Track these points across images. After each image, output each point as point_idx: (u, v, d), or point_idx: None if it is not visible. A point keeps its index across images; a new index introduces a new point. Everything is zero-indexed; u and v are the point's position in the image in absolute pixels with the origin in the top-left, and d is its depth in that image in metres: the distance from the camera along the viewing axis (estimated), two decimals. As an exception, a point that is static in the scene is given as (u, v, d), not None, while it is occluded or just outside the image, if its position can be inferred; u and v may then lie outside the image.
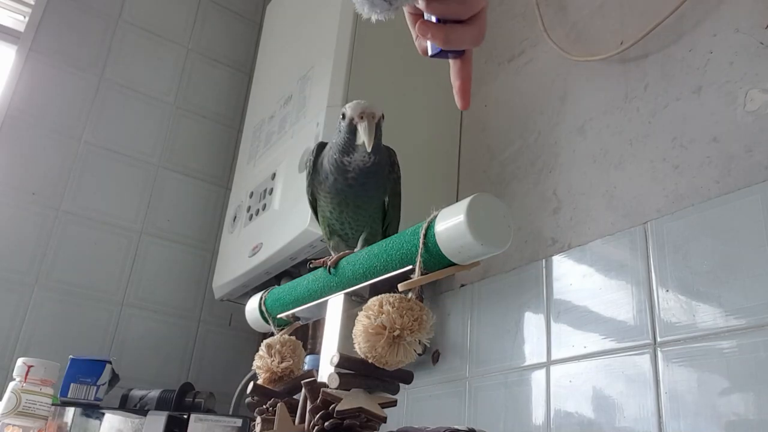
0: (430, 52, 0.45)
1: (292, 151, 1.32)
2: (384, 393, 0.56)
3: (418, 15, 0.46)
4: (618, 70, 1.07)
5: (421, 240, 0.54)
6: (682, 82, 0.95)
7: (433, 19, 0.44)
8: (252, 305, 0.83)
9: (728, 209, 0.83)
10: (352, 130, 0.72)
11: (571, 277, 1.01)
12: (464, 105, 0.47)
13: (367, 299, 0.55)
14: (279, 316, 0.79)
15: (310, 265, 0.74)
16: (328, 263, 0.69)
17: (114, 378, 1.29)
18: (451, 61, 0.46)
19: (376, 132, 0.71)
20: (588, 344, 0.94)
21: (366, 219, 0.77)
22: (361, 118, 0.70)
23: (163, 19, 1.88)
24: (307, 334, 1.42)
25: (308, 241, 1.16)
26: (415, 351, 0.53)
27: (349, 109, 0.72)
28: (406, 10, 0.46)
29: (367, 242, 0.77)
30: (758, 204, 0.79)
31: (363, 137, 0.69)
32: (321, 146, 0.79)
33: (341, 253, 0.70)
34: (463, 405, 1.12)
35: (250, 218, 1.42)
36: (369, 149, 0.70)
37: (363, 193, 0.75)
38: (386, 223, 0.79)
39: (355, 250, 0.75)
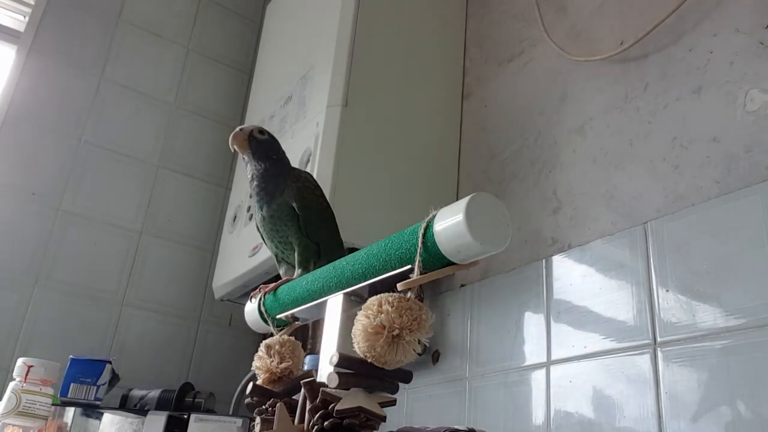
0: None
1: (292, 151, 1.32)
2: (383, 392, 0.56)
3: None
4: (618, 70, 1.07)
5: (419, 239, 0.54)
6: (682, 82, 0.95)
7: None
8: (251, 306, 0.83)
9: (728, 209, 0.82)
10: None
11: (571, 277, 1.01)
12: None
13: (366, 299, 0.55)
14: (278, 316, 0.79)
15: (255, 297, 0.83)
16: (268, 289, 0.79)
17: (114, 378, 1.29)
18: None
19: (252, 141, 0.83)
20: (588, 344, 0.94)
21: (285, 230, 0.81)
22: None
23: (163, 19, 1.88)
24: (307, 335, 1.42)
25: (308, 241, 1.16)
26: (414, 350, 0.53)
27: None
28: None
29: (301, 257, 0.80)
30: (758, 204, 0.79)
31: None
32: None
33: (282, 280, 0.79)
34: (463, 405, 1.12)
35: (250, 218, 1.42)
36: (232, 151, 0.85)
37: (268, 199, 0.82)
38: (303, 229, 0.81)
39: (294, 276, 0.80)
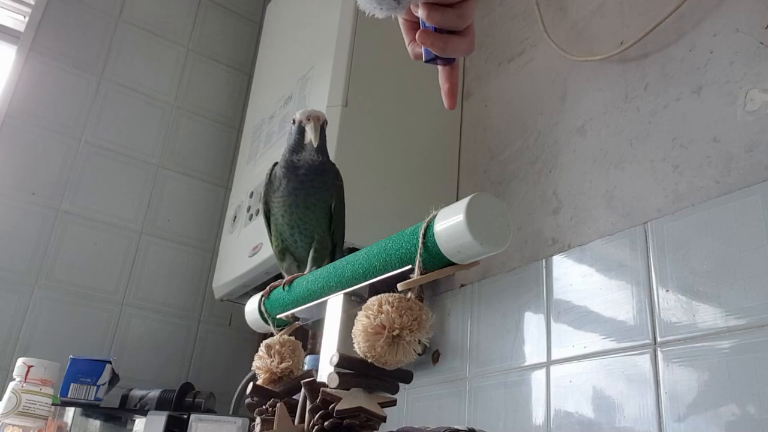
0: (424, 58, 0.50)
1: (292, 151, 1.32)
2: (383, 392, 0.56)
3: (412, 22, 0.50)
4: (618, 70, 1.07)
5: (420, 239, 0.54)
6: (682, 82, 0.95)
7: (431, 28, 0.48)
8: (251, 306, 0.83)
9: (728, 209, 0.82)
10: (301, 131, 0.82)
11: (571, 277, 1.01)
12: (452, 105, 0.53)
13: (367, 299, 0.55)
14: (278, 316, 0.79)
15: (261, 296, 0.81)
16: (283, 282, 0.75)
17: (114, 378, 1.29)
18: (440, 67, 0.52)
19: (321, 134, 0.80)
20: (588, 344, 0.94)
21: (314, 223, 0.81)
22: (308, 120, 0.80)
23: (163, 19, 1.88)
24: (307, 335, 1.42)
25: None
26: (414, 351, 0.53)
27: (298, 114, 0.82)
28: (400, 18, 0.50)
29: (316, 255, 0.80)
30: (758, 204, 0.79)
31: (310, 135, 0.80)
32: (275, 164, 0.87)
33: (295, 274, 0.76)
34: (463, 405, 1.12)
35: (250, 218, 1.42)
36: (315, 144, 0.80)
37: (313, 191, 0.81)
38: (332, 228, 0.82)
39: (305, 271, 0.78)
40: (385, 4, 0.44)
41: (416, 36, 0.48)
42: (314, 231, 0.81)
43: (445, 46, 0.48)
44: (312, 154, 0.81)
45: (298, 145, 0.82)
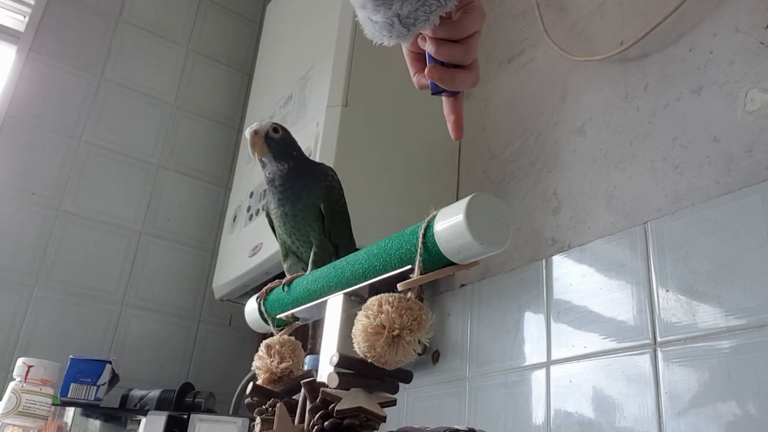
0: (431, 91, 0.52)
1: (292, 151, 1.32)
2: (383, 392, 0.56)
3: (416, 53, 0.53)
4: (618, 70, 1.07)
5: (420, 239, 0.54)
6: (682, 82, 0.95)
7: (438, 62, 0.50)
8: (251, 306, 0.83)
9: (728, 209, 0.82)
10: None
11: (571, 277, 1.01)
12: (458, 136, 0.54)
13: (367, 299, 0.55)
14: (278, 316, 0.79)
15: (257, 298, 0.81)
16: (283, 283, 0.76)
17: (114, 378, 1.29)
18: (444, 98, 0.54)
19: (269, 142, 0.79)
20: (588, 344, 0.94)
21: (307, 228, 0.81)
22: (248, 137, 0.80)
23: (163, 19, 1.88)
24: (307, 335, 1.42)
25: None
26: (414, 350, 0.53)
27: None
28: (405, 49, 0.53)
29: (316, 257, 0.80)
30: (758, 204, 0.79)
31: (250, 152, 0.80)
32: None
33: (295, 274, 0.77)
34: (463, 405, 1.12)
35: (250, 218, 1.42)
36: (254, 157, 0.80)
37: (295, 197, 0.80)
38: (327, 230, 0.81)
39: (307, 271, 0.79)
40: (395, 32, 0.46)
41: (425, 71, 0.50)
42: (309, 235, 0.81)
43: (453, 80, 0.51)
44: (275, 164, 0.79)
45: (260, 161, 0.81)
